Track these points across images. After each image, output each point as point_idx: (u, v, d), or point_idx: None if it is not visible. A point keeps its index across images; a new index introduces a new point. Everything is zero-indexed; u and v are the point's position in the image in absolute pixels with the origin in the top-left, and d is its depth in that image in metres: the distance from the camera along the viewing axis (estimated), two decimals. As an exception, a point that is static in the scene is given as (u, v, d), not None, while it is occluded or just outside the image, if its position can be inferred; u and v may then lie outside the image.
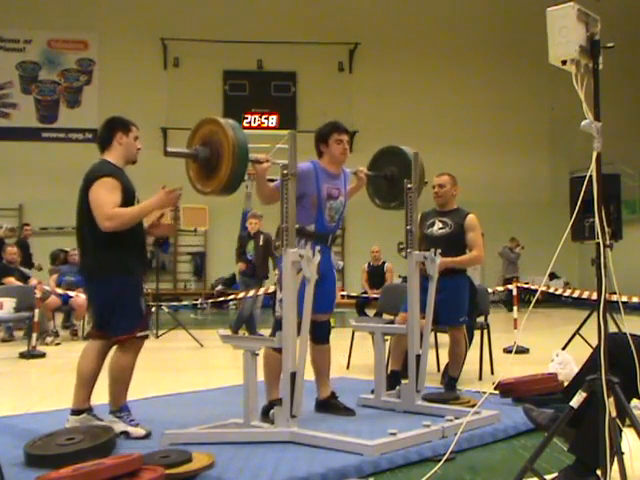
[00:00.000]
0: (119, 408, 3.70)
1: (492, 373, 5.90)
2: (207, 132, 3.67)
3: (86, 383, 3.72)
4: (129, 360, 3.72)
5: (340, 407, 4.25)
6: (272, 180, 3.93)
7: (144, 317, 3.85)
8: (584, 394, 2.53)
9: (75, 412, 3.71)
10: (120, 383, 3.70)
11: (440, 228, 5.12)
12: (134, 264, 3.81)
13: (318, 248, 3.73)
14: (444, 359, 6.00)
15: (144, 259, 4.06)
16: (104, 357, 3.80)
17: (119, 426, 3.63)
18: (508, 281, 14.00)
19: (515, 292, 8.13)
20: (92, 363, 3.73)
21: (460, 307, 5.11)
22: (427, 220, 5.18)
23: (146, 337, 3.83)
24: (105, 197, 3.61)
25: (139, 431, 3.66)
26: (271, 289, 8.41)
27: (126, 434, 3.62)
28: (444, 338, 6.33)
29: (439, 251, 4.47)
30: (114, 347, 3.76)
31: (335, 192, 4.20)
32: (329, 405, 4.27)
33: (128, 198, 3.73)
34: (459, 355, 5.16)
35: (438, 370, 5.97)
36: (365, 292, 10.45)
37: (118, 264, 3.71)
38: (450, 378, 5.14)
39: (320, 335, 4.22)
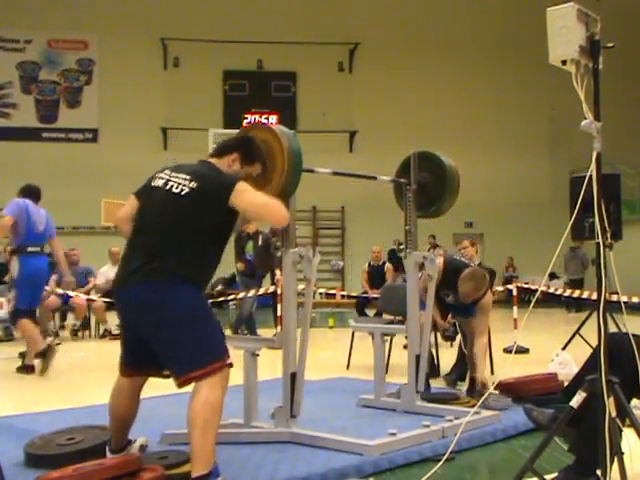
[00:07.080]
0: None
1: (492, 373, 5.89)
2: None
3: None
4: None
5: None
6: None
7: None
8: (584, 394, 2.53)
9: None
10: None
11: None
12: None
13: None
14: (444, 359, 6.01)
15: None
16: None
17: None
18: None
19: (515, 292, 8.13)
20: None
21: None
22: None
23: None
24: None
25: None
26: (271, 289, 8.42)
27: None
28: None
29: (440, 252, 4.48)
30: None
31: None
32: None
33: None
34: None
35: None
36: (365, 292, 10.44)
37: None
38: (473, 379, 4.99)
39: None
